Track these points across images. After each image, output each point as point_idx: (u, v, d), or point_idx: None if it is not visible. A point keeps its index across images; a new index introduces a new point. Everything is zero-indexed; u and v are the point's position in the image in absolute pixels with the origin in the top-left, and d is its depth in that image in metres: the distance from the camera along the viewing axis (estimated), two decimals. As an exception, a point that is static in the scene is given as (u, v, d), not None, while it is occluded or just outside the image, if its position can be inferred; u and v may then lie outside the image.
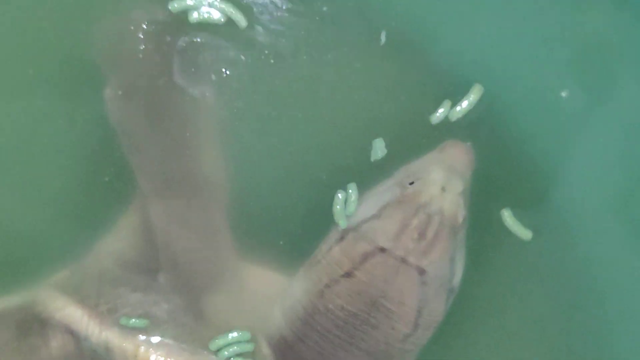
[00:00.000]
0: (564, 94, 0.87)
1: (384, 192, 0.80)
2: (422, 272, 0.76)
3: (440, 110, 0.83)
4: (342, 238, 0.79)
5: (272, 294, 0.84)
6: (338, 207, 0.81)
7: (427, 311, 0.79)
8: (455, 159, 0.81)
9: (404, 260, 0.76)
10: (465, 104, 0.83)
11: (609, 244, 0.89)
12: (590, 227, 0.90)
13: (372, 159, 0.82)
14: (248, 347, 0.77)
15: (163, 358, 0.76)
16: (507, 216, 0.83)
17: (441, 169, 0.79)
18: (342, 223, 0.80)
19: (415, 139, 0.84)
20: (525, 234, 0.82)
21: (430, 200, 0.77)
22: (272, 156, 0.85)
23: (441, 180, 0.78)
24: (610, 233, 0.89)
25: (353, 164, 0.84)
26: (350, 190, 0.81)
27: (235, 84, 0.85)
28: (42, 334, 0.79)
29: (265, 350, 0.80)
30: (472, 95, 0.82)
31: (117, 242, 0.84)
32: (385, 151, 0.82)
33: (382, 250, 0.76)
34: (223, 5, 0.83)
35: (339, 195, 0.80)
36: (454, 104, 0.83)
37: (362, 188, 0.82)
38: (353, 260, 0.77)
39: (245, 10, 0.83)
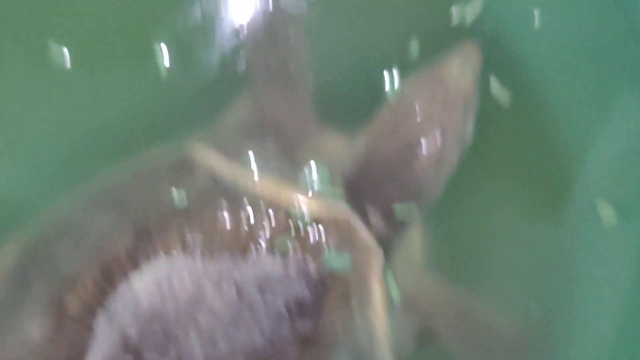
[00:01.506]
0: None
1: (419, 74, 1.01)
2: (444, 128, 0.97)
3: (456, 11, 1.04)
4: (389, 106, 1.01)
5: (340, 151, 1.02)
6: (388, 85, 1.02)
7: (446, 154, 0.97)
8: (468, 54, 1.00)
9: (431, 119, 0.97)
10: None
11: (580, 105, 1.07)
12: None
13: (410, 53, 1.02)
14: (327, 179, 0.96)
15: (271, 184, 0.92)
16: (493, 81, 1.05)
17: (458, 58, 0.99)
18: (393, 97, 1.01)
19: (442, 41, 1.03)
20: (505, 98, 1.03)
21: (451, 77, 0.97)
22: (337, 54, 1.05)
23: (458, 65, 0.98)
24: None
25: (395, 57, 1.03)
26: (394, 72, 1.02)
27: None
28: (190, 171, 0.94)
29: (337, 182, 0.98)
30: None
31: (235, 117, 1.03)
32: (418, 50, 1.02)
33: (417, 113, 0.97)
34: None
35: (388, 77, 1.01)
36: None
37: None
38: (394, 119, 0.99)
39: None
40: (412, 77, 1.02)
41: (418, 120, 0.97)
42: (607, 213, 1.03)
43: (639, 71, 1.07)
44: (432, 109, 0.98)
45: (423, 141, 0.96)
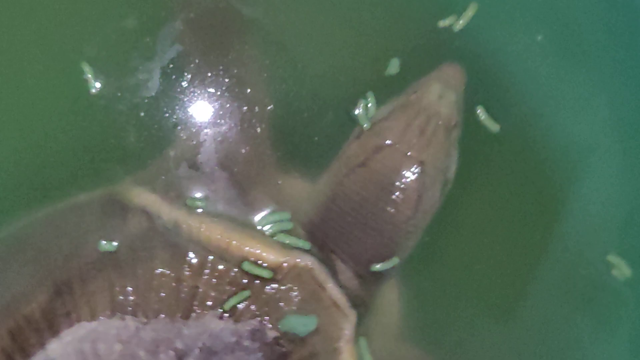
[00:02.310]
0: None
1: (394, 101, 0.96)
2: (421, 163, 0.91)
3: (445, 22, 0.99)
4: (358, 136, 0.95)
5: (300, 196, 0.97)
6: (360, 111, 0.95)
7: (425, 198, 0.93)
8: (450, 76, 0.96)
9: (407, 153, 0.91)
10: (463, 20, 0.99)
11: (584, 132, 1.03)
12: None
13: (387, 74, 0.97)
14: (288, 225, 0.90)
15: (220, 231, 0.86)
16: (481, 112, 0.99)
17: (438, 82, 0.94)
18: (366, 125, 0.95)
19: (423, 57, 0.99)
20: (493, 126, 0.98)
21: (429, 104, 0.93)
22: (301, 78, 0.99)
23: (438, 90, 0.93)
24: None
25: (370, 80, 0.98)
26: (369, 98, 0.95)
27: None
28: (122, 216, 0.89)
29: (299, 230, 0.92)
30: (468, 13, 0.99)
31: (173, 148, 0.96)
32: (398, 69, 0.97)
33: (390, 144, 0.92)
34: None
35: (361, 101, 0.95)
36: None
37: (379, 102, 0.96)
38: (367, 152, 0.93)
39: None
40: (387, 105, 0.97)
41: (392, 155, 0.93)
42: (618, 268, 1.02)
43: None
44: (408, 142, 0.93)
45: (398, 183, 0.93)
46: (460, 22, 1.01)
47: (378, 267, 0.94)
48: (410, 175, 0.92)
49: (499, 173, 1.04)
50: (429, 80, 0.96)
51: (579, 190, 1.05)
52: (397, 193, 0.92)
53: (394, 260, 0.94)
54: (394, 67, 0.99)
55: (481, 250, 1.03)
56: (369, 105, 0.97)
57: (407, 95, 0.96)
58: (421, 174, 0.92)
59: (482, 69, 1.04)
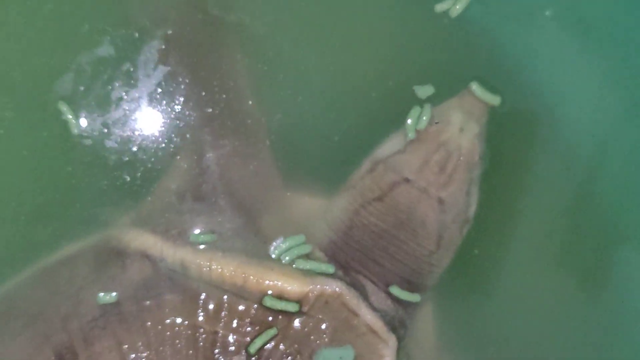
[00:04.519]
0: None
1: (410, 132, 0.93)
2: (441, 201, 0.89)
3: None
4: (372, 169, 0.91)
5: (313, 214, 0.94)
6: (410, 120, 0.91)
7: (446, 235, 0.91)
8: (472, 105, 0.93)
9: (425, 191, 0.88)
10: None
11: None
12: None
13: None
14: (306, 249, 0.86)
15: (233, 266, 0.81)
16: (476, 87, 0.94)
17: (460, 112, 0.91)
18: (411, 135, 0.91)
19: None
20: (494, 99, 0.94)
21: (450, 138, 0.89)
22: (307, 85, 0.96)
23: (460, 122, 0.90)
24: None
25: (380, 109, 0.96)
26: (424, 108, 0.92)
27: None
28: (119, 264, 0.85)
29: (318, 252, 0.89)
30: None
31: (173, 180, 0.92)
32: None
33: (407, 180, 0.89)
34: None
35: (413, 111, 0.91)
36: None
37: (393, 129, 0.94)
38: (382, 188, 0.90)
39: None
40: (399, 133, 0.94)
41: (410, 193, 0.90)
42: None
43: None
44: (427, 179, 0.90)
45: (417, 220, 0.90)
46: (457, 7, 0.98)
47: (401, 294, 0.92)
48: (430, 213, 0.90)
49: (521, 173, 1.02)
50: (450, 110, 0.93)
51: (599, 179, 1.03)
52: (416, 229, 0.90)
53: (416, 297, 0.92)
54: (424, 91, 0.95)
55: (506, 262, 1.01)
56: (424, 117, 0.93)
57: (427, 128, 0.92)
58: (441, 213, 0.90)
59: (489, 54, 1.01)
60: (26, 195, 0.95)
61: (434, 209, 0.90)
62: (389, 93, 0.97)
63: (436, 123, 0.91)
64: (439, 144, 0.91)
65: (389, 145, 0.93)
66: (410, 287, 0.92)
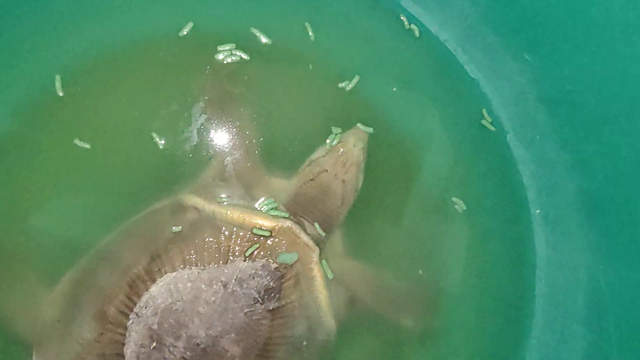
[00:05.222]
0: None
1: (329, 146, 1.16)
2: (344, 181, 1.13)
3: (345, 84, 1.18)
4: (309, 164, 1.14)
5: (280, 188, 1.14)
6: (328, 140, 1.17)
7: (346, 198, 1.14)
8: (359, 134, 1.17)
9: (335, 176, 1.13)
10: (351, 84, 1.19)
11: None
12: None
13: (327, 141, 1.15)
14: (274, 205, 1.10)
15: (238, 213, 1.02)
16: (361, 125, 1.16)
17: (353, 137, 1.15)
18: (329, 147, 1.13)
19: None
20: (370, 129, 1.13)
21: (348, 149, 1.13)
22: (275, 123, 1.17)
23: (353, 141, 1.15)
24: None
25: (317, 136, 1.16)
26: (336, 133, 1.17)
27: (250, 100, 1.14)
28: (182, 211, 1.04)
29: (281, 207, 1.11)
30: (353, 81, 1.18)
31: (210, 171, 1.14)
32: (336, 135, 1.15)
33: (326, 170, 1.13)
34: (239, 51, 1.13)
35: (331, 136, 1.16)
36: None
37: (320, 144, 1.17)
38: (314, 174, 1.13)
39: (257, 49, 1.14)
40: (322, 147, 1.17)
41: (328, 177, 1.12)
42: (458, 204, 1.23)
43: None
44: (337, 170, 1.14)
45: (332, 190, 1.11)
46: (350, 85, 1.20)
47: (323, 232, 1.11)
48: (337, 187, 1.13)
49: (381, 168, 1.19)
50: (348, 136, 1.16)
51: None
52: (332, 195, 1.12)
53: (324, 234, 1.11)
54: (335, 130, 1.18)
55: (383, 209, 1.21)
56: (334, 138, 1.16)
57: (338, 144, 1.15)
58: (343, 186, 1.13)
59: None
60: (127, 181, 1.12)
61: (340, 185, 1.12)
62: (317, 129, 1.19)
63: (341, 142, 1.15)
64: (342, 152, 1.14)
65: (318, 152, 1.16)
66: (328, 224, 1.13)
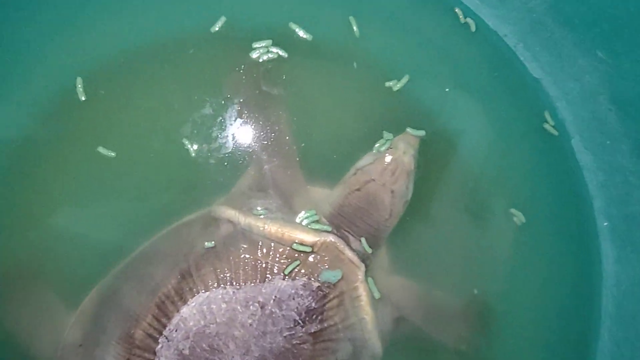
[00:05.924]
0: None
1: (376, 153, 1.10)
2: (392, 191, 1.08)
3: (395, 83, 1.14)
4: (355, 173, 1.09)
5: (321, 198, 1.10)
6: (377, 146, 1.11)
7: (394, 210, 1.08)
8: (410, 139, 1.11)
9: (384, 185, 1.07)
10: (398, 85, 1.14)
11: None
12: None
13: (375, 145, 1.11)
14: (316, 218, 1.05)
15: (276, 227, 0.98)
16: (410, 129, 1.11)
17: (403, 142, 1.09)
18: (377, 154, 1.07)
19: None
20: (421, 133, 1.08)
21: (398, 157, 1.07)
22: (319, 136, 1.13)
23: (403, 147, 1.09)
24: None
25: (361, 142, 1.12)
26: (386, 137, 1.12)
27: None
28: (216, 225, 1.01)
29: (323, 219, 1.06)
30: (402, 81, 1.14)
31: (246, 180, 1.10)
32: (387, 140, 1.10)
33: (374, 180, 1.07)
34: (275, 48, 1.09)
35: (379, 141, 1.11)
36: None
37: (367, 150, 1.12)
38: (360, 183, 1.08)
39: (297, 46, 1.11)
40: (370, 154, 1.12)
41: (375, 186, 1.07)
42: (517, 217, 1.17)
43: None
44: (385, 179, 1.08)
45: (380, 201, 1.07)
46: (398, 85, 1.15)
47: (369, 248, 1.06)
48: (385, 198, 1.07)
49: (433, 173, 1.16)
50: (397, 142, 1.11)
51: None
52: (379, 206, 1.07)
53: (371, 250, 1.06)
54: (387, 134, 1.13)
55: (435, 222, 1.16)
56: (384, 144, 1.10)
57: (386, 150, 1.09)
58: (391, 197, 1.08)
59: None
60: (155, 192, 1.09)
61: (388, 195, 1.07)
62: (362, 133, 1.14)
63: (390, 148, 1.09)
64: (391, 160, 1.08)
65: (364, 160, 1.11)
66: (374, 238, 1.08)
